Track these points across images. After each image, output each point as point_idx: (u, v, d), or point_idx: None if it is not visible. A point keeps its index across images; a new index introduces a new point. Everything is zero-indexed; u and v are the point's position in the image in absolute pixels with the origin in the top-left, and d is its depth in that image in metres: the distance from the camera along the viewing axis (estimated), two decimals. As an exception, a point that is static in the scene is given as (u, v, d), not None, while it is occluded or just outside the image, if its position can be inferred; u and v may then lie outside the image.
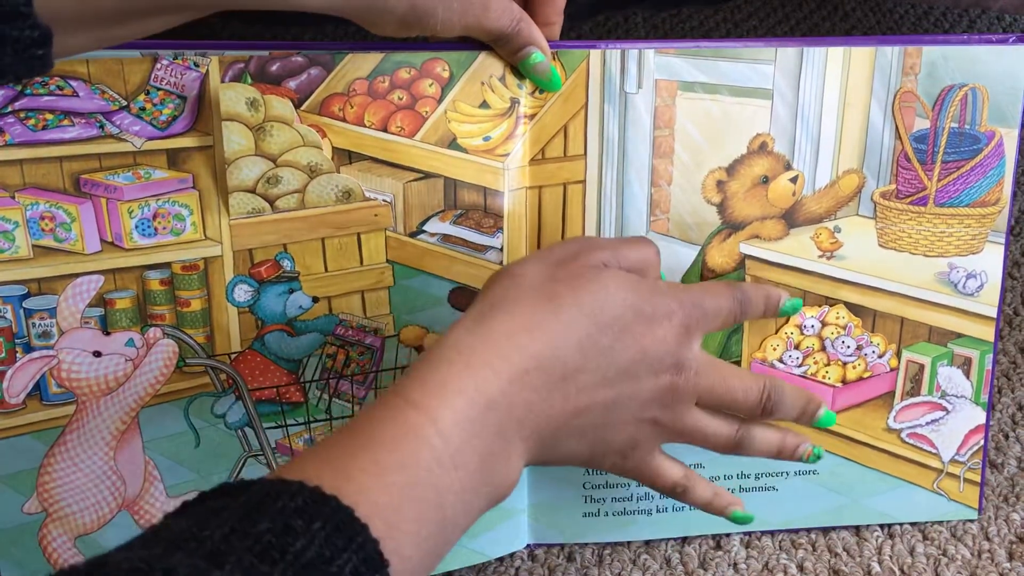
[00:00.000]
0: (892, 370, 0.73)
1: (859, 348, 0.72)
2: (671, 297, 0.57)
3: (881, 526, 0.75)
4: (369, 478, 0.46)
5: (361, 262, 0.67)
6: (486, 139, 0.66)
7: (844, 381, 0.73)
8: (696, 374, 0.58)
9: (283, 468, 0.47)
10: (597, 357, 0.55)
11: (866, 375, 0.72)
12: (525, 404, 0.53)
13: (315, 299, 0.67)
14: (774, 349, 0.72)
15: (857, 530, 0.75)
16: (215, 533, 0.40)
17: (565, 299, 0.54)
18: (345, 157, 0.66)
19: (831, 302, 0.71)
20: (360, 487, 0.45)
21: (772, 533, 0.74)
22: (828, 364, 0.72)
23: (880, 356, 0.72)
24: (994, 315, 0.71)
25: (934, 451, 0.74)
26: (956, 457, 0.74)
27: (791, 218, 0.70)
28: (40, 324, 0.64)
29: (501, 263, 0.68)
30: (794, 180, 0.69)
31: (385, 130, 0.66)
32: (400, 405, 0.50)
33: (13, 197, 0.63)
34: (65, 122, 0.62)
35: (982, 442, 0.74)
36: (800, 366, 0.72)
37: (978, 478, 0.74)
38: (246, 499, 0.43)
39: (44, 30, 0.49)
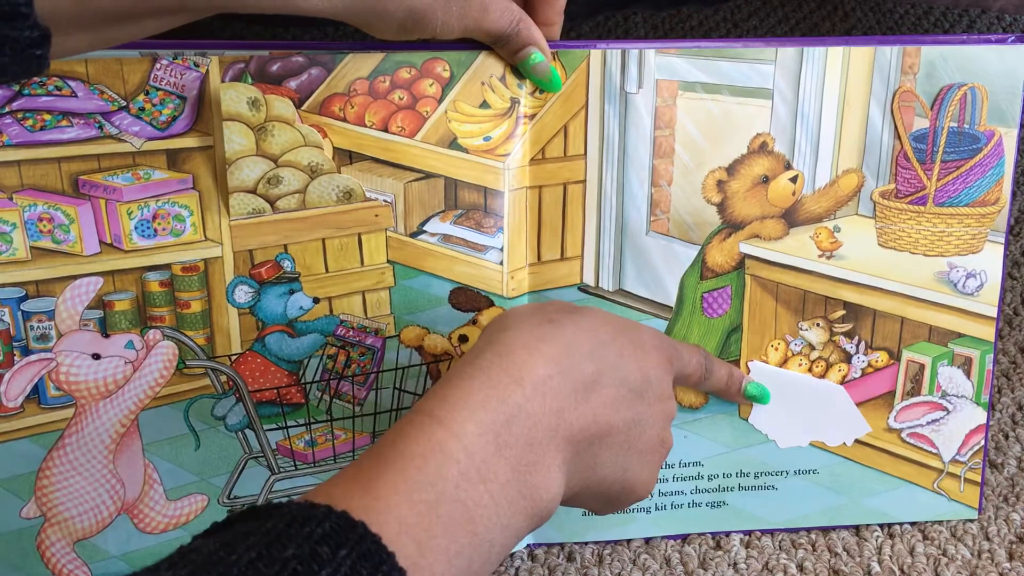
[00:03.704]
0: (888, 366, 0.72)
1: (857, 348, 0.72)
2: (648, 331, 0.61)
3: (881, 526, 0.75)
4: (397, 496, 0.46)
5: (362, 262, 0.67)
6: (486, 139, 0.66)
7: (844, 381, 0.73)
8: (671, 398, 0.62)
9: (313, 491, 0.47)
10: (609, 371, 0.56)
11: (868, 371, 0.72)
12: (555, 411, 0.53)
13: (316, 300, 0.67)
14: (775, 350, 0.72)
15: (857, 530, 0.75)
16: (242, 558, 0.40)
17: (564, 322, 0.56)
18: (346, 157, 0.66)
19: (830, 302, 0.71)
20: (388, 506, 0.46)
21: (772, 533, 0.74)
22: (829, 365, 0.72)
23: (877, 355, 0.72)
24: (994, 315, 0.71)
25: (934, 451, 0.74)
26: (956, 457, 0.74)
27: (791, 217, 0.70)
28: (38, 327, 0.64)
29: (501, 263, 0.68)
30: (794, 180, 0.69)
31: (386, 130, 0.66)
32: (425, 422, 0.50)
33: (11, 198, 0.62)
34: (63, 122, 0.62)
35: (982, 442, 0.74)
36: (800, 367, 0.72)
37: (978, 478, 0.74)
38: (273, 524, 0.43)
39: (44, 31, 0.49)
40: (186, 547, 0.43)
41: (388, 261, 0.67)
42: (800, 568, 0.72)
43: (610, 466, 0.57)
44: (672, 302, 0.70)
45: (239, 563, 0.40)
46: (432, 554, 0.46)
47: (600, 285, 0.70)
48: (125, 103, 0.63)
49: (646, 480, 0.59)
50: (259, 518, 0.43)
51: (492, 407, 0.51)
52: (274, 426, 0.68)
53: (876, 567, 0.71)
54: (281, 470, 0.69)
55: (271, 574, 0.40)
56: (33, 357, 0.64)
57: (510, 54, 0.64)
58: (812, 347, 0.72)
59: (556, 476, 0.53)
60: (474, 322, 0.68)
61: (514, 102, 0.66)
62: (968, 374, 0.73)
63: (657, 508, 0.73)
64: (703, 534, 0.74)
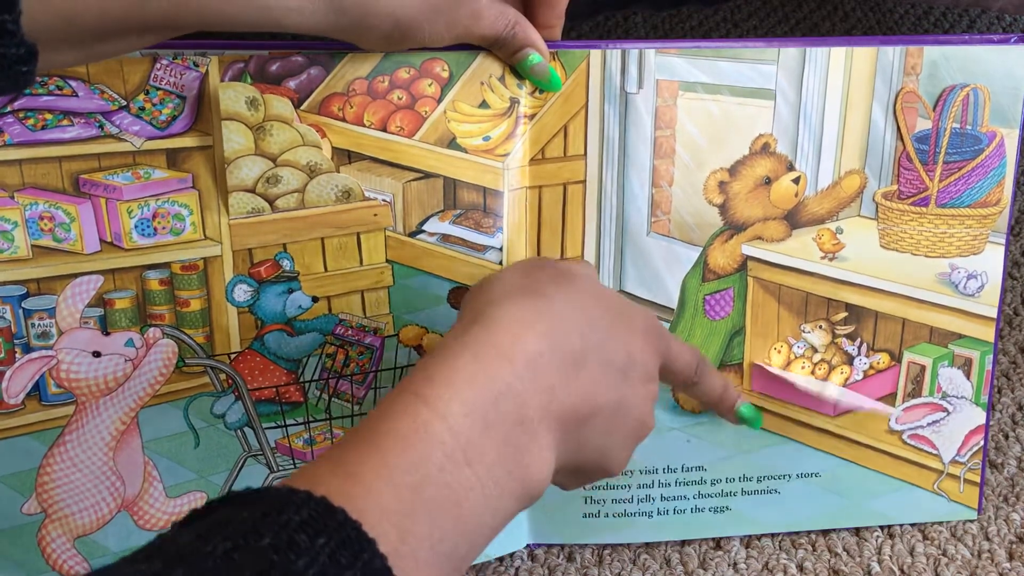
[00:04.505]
0: (889, 368, 0.72)
1: (859, 350, 0.72)
2: (642, 313, 0.58)
3: (881, 526, 0.74)
4: (379, 480, 0.45)
5: (361, 262, 0.67)
6: (486, 139, 0.66)
7: (846, 383, 0.72)
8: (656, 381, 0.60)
9: (295, 474, 0.46)
10: (596, 349, 0.54)
11: (870, 373, 0.72)
12: (546, 389, 0.51)
13: (315, 299, 0.67)
14: (777, 352, 0.72)
15: (857, 530, 0.74)
16: (218, 548, 0.40)
17: (553, 294, 0.54)
18: (345, 157, 0.66)
19: (832, 304, 0.71)
20: (369, 490, 0.44)
21: (772, 534, 0.74)
22: (831, 368, 0.72)
23: (879, 356, 0.72)
24: (995, 316, 0.71)
25: (935, 452, 0.74)
26: (956, 458, 0.74)
27: (793, 219, 0.70)
28: (39, 324, 0.64)
29: (501, 263, 0.68)
30: (796, 181, 0.69)
31: (384, 130, 0.66)
32: (409, 401, 0.48)
33: (12, 197, 0.63)
34: (64, 122, 0.62)
35: (982, 442, 0.74)
36: (803, 369, 0.72)
37: (978, 478, 0.74)
38: (250, 512, 0.42)
39: (30, 47, 0.49)
40: (164, 536, 0.42)
41: (387, 260, 0.67)
42: (800, 568, 0.72)
43: (591, 448, 0.55)
44: (673, 304, 0.70)
45: (214, 554, 0.39)
46: (415, 540, 0.44)
47: (600, 285, 0.70)
48: (125, 103, 0.63)
49: (621, 461, 0.58)
50: (238, 504, 0.42)
51: (479, 385, 0.49)
52: (273, 424, 0.69)
53: (876, 567, 0.71)
54: (280, 468, 0.69)
55: (247, 564, 0.39)
56: (34, 354, 0.65)
57: (507, 56, 0.64)
58: (815, 349, 0.72)
59: (546, 456, 0.51)
60: (473, 322, 0.68)
61: (513, 102, 0.66)
62: (968, 375, 0.72)
63: (660, 513, 0.73)
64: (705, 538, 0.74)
